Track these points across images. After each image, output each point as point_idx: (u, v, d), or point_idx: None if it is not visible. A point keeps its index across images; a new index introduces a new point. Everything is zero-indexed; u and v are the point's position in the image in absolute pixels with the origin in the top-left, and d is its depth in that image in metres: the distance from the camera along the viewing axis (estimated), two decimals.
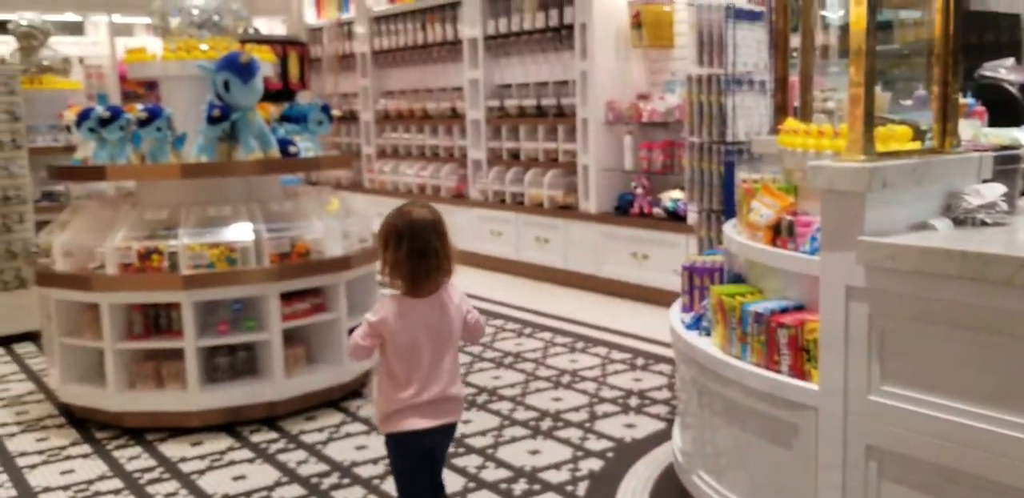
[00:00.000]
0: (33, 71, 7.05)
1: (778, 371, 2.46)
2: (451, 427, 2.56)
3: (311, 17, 10.51)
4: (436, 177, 8.39)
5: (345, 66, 9.79)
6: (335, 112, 4.92)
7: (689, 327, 2.92)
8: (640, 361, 4.84)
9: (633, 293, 6.28)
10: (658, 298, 5.99)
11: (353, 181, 9.47)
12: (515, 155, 7.56)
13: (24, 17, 7.31)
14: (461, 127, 8.12)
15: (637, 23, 6.32)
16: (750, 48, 3.69)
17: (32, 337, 5.57)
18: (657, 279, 6.01)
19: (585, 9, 6.48)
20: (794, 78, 3.58)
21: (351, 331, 2.63)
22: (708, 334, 2.81)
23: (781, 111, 3.58)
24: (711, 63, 3.68)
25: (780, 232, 2.62)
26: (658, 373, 4.61)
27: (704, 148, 3.76)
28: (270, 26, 10.69)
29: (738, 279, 2.89)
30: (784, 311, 2.51)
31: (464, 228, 7.90)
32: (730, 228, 2.99)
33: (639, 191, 6.25)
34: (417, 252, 2.43)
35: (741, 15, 3.67)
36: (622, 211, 6.43)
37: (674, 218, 5.92)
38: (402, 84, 9.14)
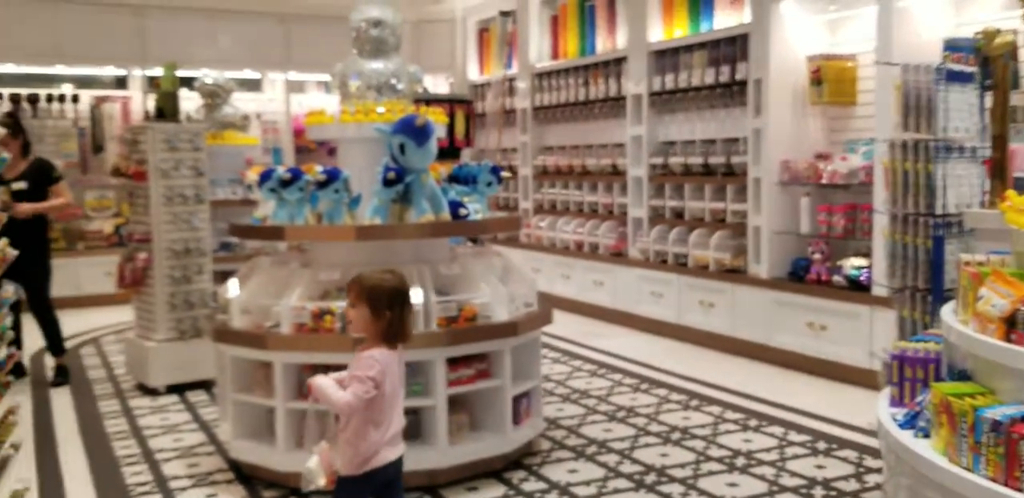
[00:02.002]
0: (215, 127, 7.39)
1: (1019, 490, 2.15)
2: (402, 456, 2.95)
3: (474, 73, 10.71)
4: (594, 234, 8.26)
5: (506, 122, 9.88)
6: (504, 173, 4.87)
7: (902, 425, 2.62)
8: (822, 445, 4.49)
9: (809, 366, 5.90)
10: (838, 373, 5.63)
11: (510, 236, 9.46)
12: (679, 214, 7.35)
13: (208, 75, 7.69)
14: (622, 184, 8.00)
15: (817, 79, 6.05)
16: (961, 112, 3.39)
17: (205, 385, 5.72)
18: (837, 352, 5.64)
19: (761, 65, 6.27)
20: (1013, 146, 3.29)
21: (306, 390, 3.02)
22: (926, 435, 2.52)
23: (998, 178, 3.28)
24: (917, 128, 3.41)
25: (1017, 325, 2.33)
26: (843, 460, 4.25)
27: (908, 220, 3.47)
28: (434, 82, 10.94)
29: (962, 375, 2.59)
30: None
31: (622, 288, 7.73)
32: (949, 314, 2.69)
33: (816, 256, 5.91)
34: (410, 313, 2.95)
35: (952, 76, 3.39)
36: (796, 277, 6.10)
37: (856, 287, 5.56)
38: (562, 140, 9.13)
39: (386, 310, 2.82)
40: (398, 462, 2.90)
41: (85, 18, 9.34)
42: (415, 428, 4.17)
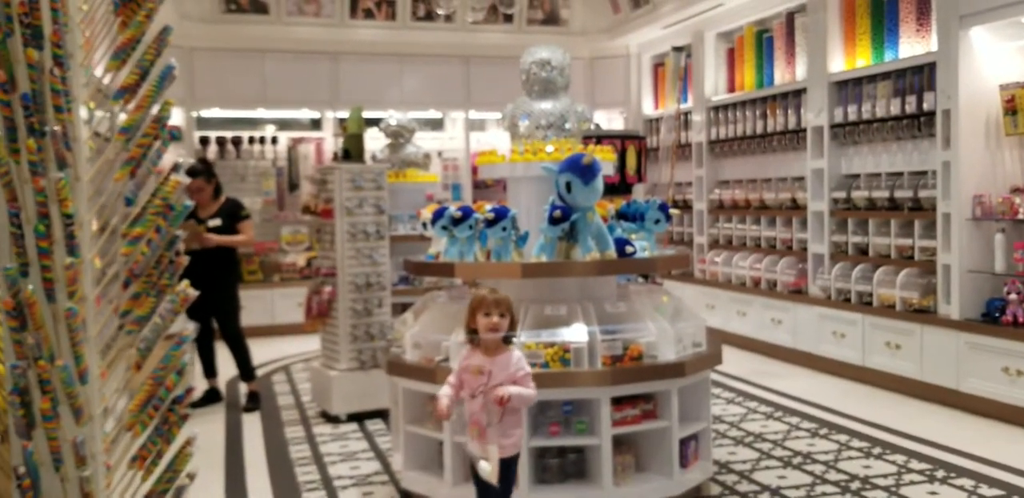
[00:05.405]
0: (398, 166, 7.74)
1: None
2: None
3: (648, 108, 10.71)
4: (772, 271, 8.02)
5: (679, 155, 9.81)
6: (673, 211, 4.83)
7: None
8: None
9: (1003, 414, 5.48)
10: None
11: (684, 271, 9.33)
12: (862, 250, 7.03)
13: (393, 116, 8.07)
14: (801, 219, 7.74)
15: (1011, 109, 5.68)
16: None
17: (382, 415, 5.93)
18: None
19: (949, 95, 5.95)
20: None
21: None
22: None
23: None
24: None
25: None
26: None
27: None
28: (608, 117, 11.02)
29: None
30: None
31: (802, 327, 7.45)
32: None
33: (1012, 297, 5.50)
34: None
35: None
36: (991, 319, 5.69)
37: None
38: (738, 173, 8.95)
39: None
40: None
41: (287, 66, 10.06)
42: (580, 467, 4.18)
